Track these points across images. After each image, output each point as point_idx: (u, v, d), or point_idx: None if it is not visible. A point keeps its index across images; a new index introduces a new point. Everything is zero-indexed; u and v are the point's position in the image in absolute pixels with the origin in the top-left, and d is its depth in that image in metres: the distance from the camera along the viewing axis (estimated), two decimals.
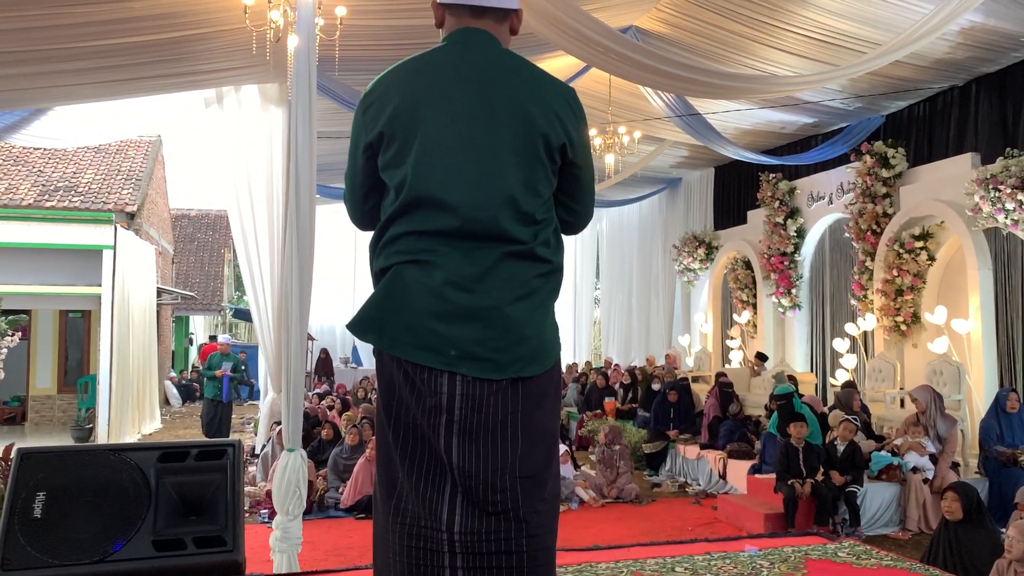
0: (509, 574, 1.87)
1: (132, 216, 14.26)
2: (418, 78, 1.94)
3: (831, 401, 10.40)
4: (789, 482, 7.09)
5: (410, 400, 1.89)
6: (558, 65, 9.77)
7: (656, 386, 11.12)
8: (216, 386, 11.71)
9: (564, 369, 16.35)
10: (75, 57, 7.17)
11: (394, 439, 1.93)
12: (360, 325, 1.94)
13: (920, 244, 9.73)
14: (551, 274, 1.99)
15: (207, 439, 9.97)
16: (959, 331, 8.98)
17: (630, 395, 12.54)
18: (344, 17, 6.34)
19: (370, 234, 2.03)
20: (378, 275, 1.97)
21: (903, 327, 9.92)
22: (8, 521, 2.21)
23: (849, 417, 7.79)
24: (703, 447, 9.63)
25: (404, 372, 1.89)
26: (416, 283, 1.87)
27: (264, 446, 9.29)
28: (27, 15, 6.19)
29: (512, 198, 1.90)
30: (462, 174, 1.88)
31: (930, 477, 7.21)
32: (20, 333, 8.29)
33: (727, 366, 13.33)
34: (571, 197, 2.06)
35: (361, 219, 2.09)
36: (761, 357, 12.37)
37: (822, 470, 7.16)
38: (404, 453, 1.91)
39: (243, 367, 12.28)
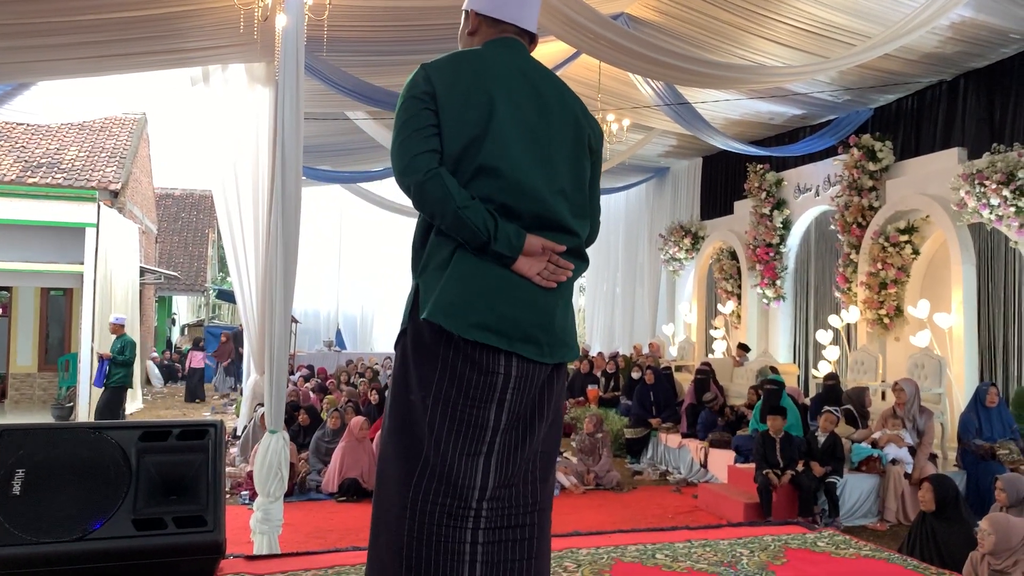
0: (523, 546, 2.03)
1: (116, 194, 14.13)
2: (482, 64, 2.08)
3: (813, 392, 10.48)
4: (765, 472, 7.14)
5: (466, 376, 1.98)
6: (548, 51, 9.73)
7: (636, 374, 11.16)
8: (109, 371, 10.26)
9: None
10: (60, 31, 7.07)
11: (431, 416, 1.99)
12: (440, 313, 1.97)
13: (905, 238, 9.79)
14: (582, 273, 2.21)
15: (189, 419, 9.88)
16: (942, 325, 9.05)
17: (612, 383, 12.58)
18: None
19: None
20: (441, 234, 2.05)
21: (886, 320, 9.98)
22: None
23: (830, 409, 7.84)
24: (685, 436, 9.68)
25: (460, 350, 1.98)
26: (487, 268, 2.00)
27: (245, 427, 9.25)
28: None
29: (563, 189, 2.09)
30: (528, 158, 2.03)
31: (909, 470, 7.28)
32: (1, 310, 8.19)
33: (711, 356, 13.39)
34: (593, 200, 2.22)
35: (411, 160, 2.01)
36: (743, 347, 12.43)
37: (802, 461, 7.21)
38: (443, 429, 1.99)
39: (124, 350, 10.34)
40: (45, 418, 13.64)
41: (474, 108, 2.01)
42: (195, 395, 16.96)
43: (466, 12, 2.24)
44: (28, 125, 14.44)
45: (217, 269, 28.83)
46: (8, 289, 14.38)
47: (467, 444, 1.99)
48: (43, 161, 14.28)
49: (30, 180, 13.46)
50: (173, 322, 26.97)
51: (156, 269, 20.06)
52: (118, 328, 10.59)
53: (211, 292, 27.39)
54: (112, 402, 10.18)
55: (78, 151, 15.09)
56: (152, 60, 8.46)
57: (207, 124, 9.23)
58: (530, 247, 2.00)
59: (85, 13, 6.75)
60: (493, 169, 1.99)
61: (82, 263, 12.95)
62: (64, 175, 13.90)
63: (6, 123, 14.44)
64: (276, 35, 6.34)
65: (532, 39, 2.24)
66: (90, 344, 12.50)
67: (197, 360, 17.82)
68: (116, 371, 10.12)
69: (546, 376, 2.09)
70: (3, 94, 8.99)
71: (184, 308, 30.08)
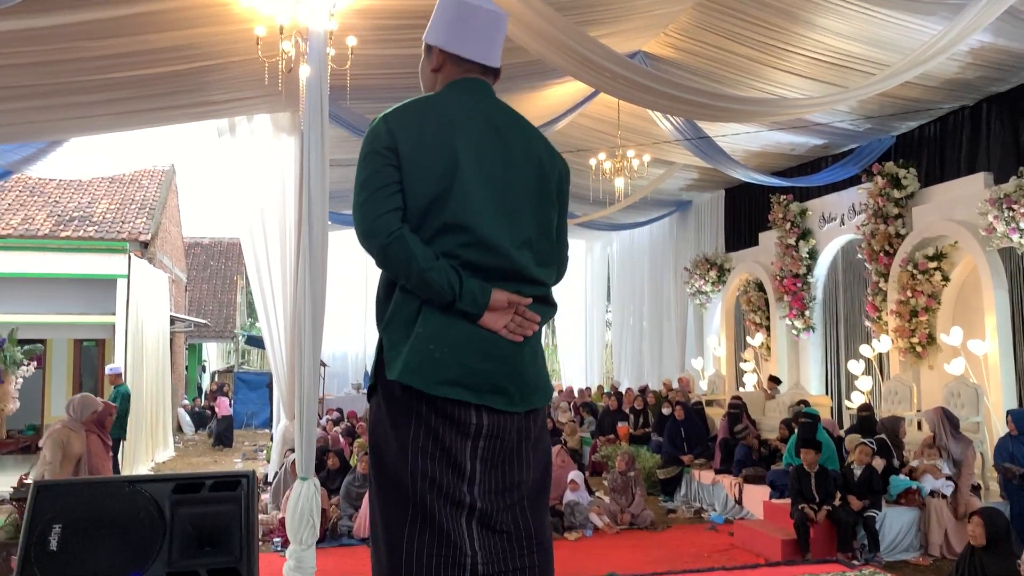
0: None
1: (146, 245, 14.37)
2: (446, 114, 2.06)
3: (847, 424, 10.32)
4: (800, 507, 7.02)
5: (440, 429, 2.00)
6: (567, 91, 9.83)
7: (667, 410, 11.06)
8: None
9: (576, 394, 16.28)
10: (91, 89, 7.26)
11: (412, 469, 1.99)
12: (410, 372, 1.98)
13: (934, 264, 9.68)
14: (551, 318, 2.25)
15: (222, 471, 9.87)
16: (976, 352, 8.90)
17: (641, 420, 12.47)
18: (355, 47, 6.40)
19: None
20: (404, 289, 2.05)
21: (919, 348, 9.84)
22: (25, 554, 2.21)
23: (865, 441, 7.72)
24: (718, 472, 9.55)
25: (432, 404, 1.99)
26: (453, 323, 2.00)
27: (276, 473, 9.26)
28: (45, 49, 6.28)
29: (529, 240, 2.09)
30: (492, 213, 2.03)
31: (947, 494, 7.11)
32: (36, 362, 8.32)
33: (741, 389, 13.25)
34: (560, 242, 2.24)
35: (374, 221, 1.99)
36: (774, 380, 12.29)
37: (839, 495, 7.08)
38: (425, 481, 1.99)
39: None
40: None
41: (438, 164, 2.00)
42: (222, 441, 16.88)
43: (429, 47, 2.22)
44: (60, 180, 14.77)
45: (246, 315, 29.12)
46: (42, 341, 14.59)
47: (450, 493, 2.00)
48: (75, 215, 14.58)
49: (63, 234, 13.74)
50: (203, 369, 27.21)
51: (186, 317, 20.29)
52: (115, 378, 10.36)
53: (240, 338, 27.63)
54: None
55: (109, 204, 15.39)
56: (180, 113, 8.66)
57: (234, 173, 9.39)
58: (495, 302, 2.00)
59: (116, 71, 6.94)
60: (457, 226, 1.99)
61: (114, 313, 13.14)
62: (95, 228, 14.17)
63: (40, 179, 14.78)
64: (300, 85, 6.47)
65: (496, 74, 2.23)
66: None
67: (223, 407, 17.83)
68: None
69: (520, 423, 2.09)
70: (37, 151, 9.24)
71: (214, 355, 30.35)
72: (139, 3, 5.82)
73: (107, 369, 10.72)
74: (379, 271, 2.11)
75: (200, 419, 20.70)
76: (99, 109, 7.90)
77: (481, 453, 2.03)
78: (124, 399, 10.05)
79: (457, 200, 1.99)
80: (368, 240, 2.01)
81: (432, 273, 1.95)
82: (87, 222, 14.35)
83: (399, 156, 2.00)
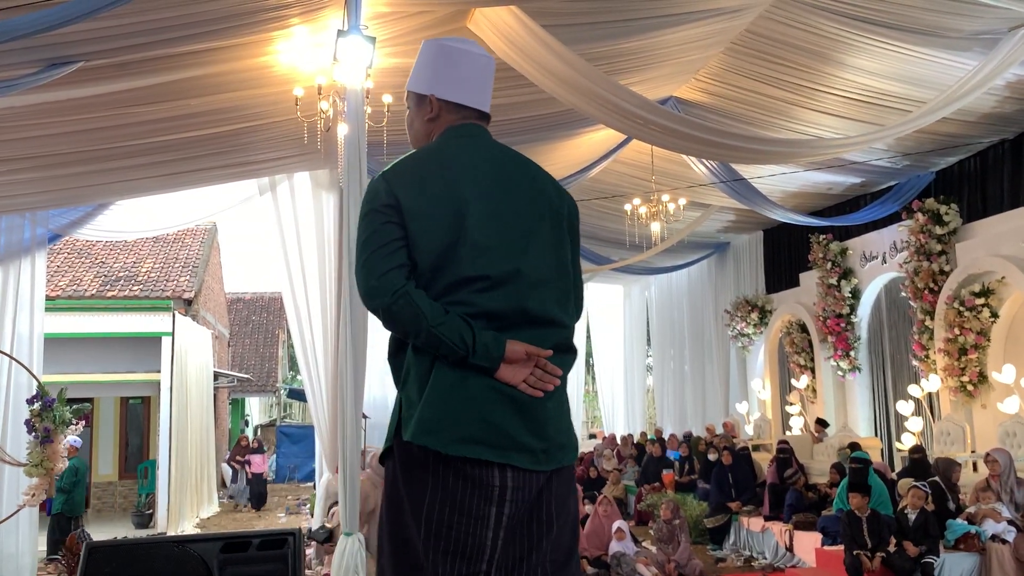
0: None
1: (189, 302, 14.63)
2: (446, 163, 2.02)
3: (899, 466, 10.05)
4: (855, 553, 6.82)
5: (459, 493, 1.88)
6: (599, 138, 9.90)
7: (713, 456, 10.87)
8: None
9: (620, 441, 16.08)
10: (137, 153, 7.48)
11: (426, 540, 1.88)
12: (424, 432, 1.88)
13: (981, 301, 9.48)
14: (574, 364, 2.09)
15: (268, 529, 9.84)
16: None
17: (687, 466, 12.28)
18: (390, 104, 6.53)
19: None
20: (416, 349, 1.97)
21: (970, 387, 9.59)
22: None
23: (917, 484, 7.50)
24: (767, 519, 9.34)
25: (450, 466, 1.88)
26: (469, 378, 1.90)
27: (320, 528, 9.24)
28: (92, 117, 6.50)
29: (546, 279, 2.02)
30: (506, 256, 1.96)
31: (1010, 540, 6.87)
32: (84, 421, 8.44)
33: (787, 433, 13.00)
34: (576, 280, 2.17)
35: (377, 281, 1.91)
36: (822, 423, 12.05)
37: (894, 540, 6.88)
38: (439, 553, 1.88)
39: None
40: (126, 526, 13.87)
41: (444, 214, 1.93)
42: (259, 503, 16.06)
43: (420, 96, 2.16)
44: (107, 241, 15.15)
45: (287, 369, 29.36)
46: (90, 400, 14.84)
47: (467, 566, 1.88)
48: (121, 275, 14.92)
49: (109, 294, 14.05)
50: (246, 423, 27.40)
51: (229, 372, 20.52)
52: (73, 451, 9.18)
53: (282, 392, 27.84)
54: (54, 531, 9.23)
55: (153, 263, 15.74)
56: (222, 174, 8.88)
57: (275, 229, 9.57)
58: (512, 355, 1.90)
59: (160, 135, 7.15)
60: (472, 275, 1.92)
61: (159, 371, 13.36)
62: (141, 287, 14.48)
63: (87, 241, 15.17)
64: (339, 143, 6.60)
65: (488, 120, 2.19)
66: (167, 450, 12.74)
67: (257, 464, 16.44)
68: (57, 497, 9.01)
69: (544, 482, 1.97)
70: (84, 215, 9.51)
71: (256, 409, 30.58)
72: (182, 70, 6.01)
73: (66, 440, 9.10)
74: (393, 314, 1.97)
75: (232, 476, 18.40)
76: (144, 172, 8.13)
77: (506, 518, 1.91)
78: (72, 472, 9.23)
79: (468, 248, 1.92)
80: (371, 300, 1.92)
81: (442, 328, 1.86)
82: (132, 282, 14.67)
83: (401, 212, 1.93)
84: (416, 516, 1.89)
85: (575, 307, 2.14)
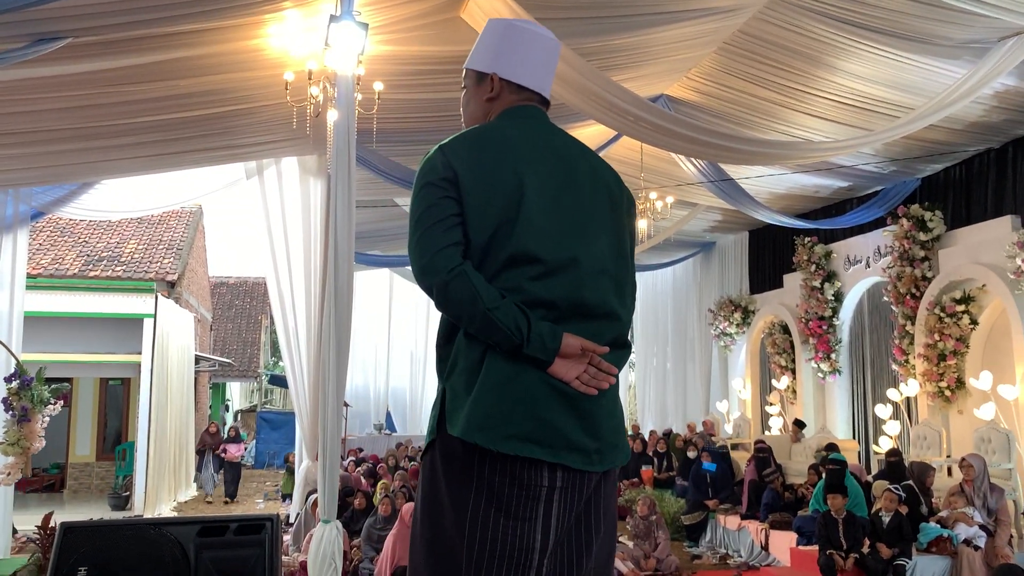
0: None
1: (172, 285, 14.54)
2: (506, 141, 1.92)
3: (875, 469, 10.14)
4: (829, 553, 6.89)
5: (506, 494, 1.77)
6: (588, 133, 9.90)
7: (692, 454, 10.93)
8: None
9: None
10: (123, 133, 7.42)
11: (469, 543, 1.77)
12: (474, 428, 1.76)
13: (962, 308, 9.57)
14: (627, 359, 1.99)
15: (246, 514, 9.75)
16: (1007, 397, 8.75)
17: (665, 463, 12.33)
18: (381, 92, 6.51)
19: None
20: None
21: (947, 393, 9.69)
22: None
23: (892, 487, 7.58)
24: (744, 517, 9.41)
25: (498, 465, 1.77)
26: (523, 371, 1.80)
27: (298, 515, 9.23)
28: (77, 94, 6.44)
29: (606, 269, 1.91)
30: (564, 241, 1.86)
31: (981, 546, 6.95)
32: (62, 401, 8.38)
33: (767, 433, 13.09)
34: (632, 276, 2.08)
35: (432, 257, 1.81)
36: (799, 424, 12.14)
37: (868, 542, 6.94)
38: (483, 557, 1.76)
39: None
40: (102, 507, 13.80)
41: (501, 192, 1.82)
42: (231, 494, 14.81)
43: (481, 74, 2.07)
44: (90, 221, 15.03)
45: (269, 354, 29.25)
46: (69, 380, 14.73)
47: (512, 571, 1.76)
48: (104, 255, 14.80)
49: (91, 273, 13.94)
50: (227, 408, 27.29)
51: (211, 356, 20.42)
52: None
53: (264, 377, 27.75)
54: None
55: (137, 244, 15.62)
56: (209, 156, 8.82)
57: (261, 214, 9.53)
58: (568, 349, 1.78)
59: (147, 115, 7.10)
60: (526, 257, 1.81)
61: (140, 353, 13.26)
62: (124, 267, 14.37)
63: (70, 219, 15.04)
64: (328, 129, 6.58)
65: (548, 104, 2.11)
66: (146, 433, 12.67)
67: (231, 453, 15.15)
68: None
69: (598, 484, 1.89)
70: (68, 193, 9.42)
71: (237, 394, 30.46)
72: (171, 50, 5.97)
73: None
74: (433, 313, 1.94)
75: (200, 461, 15.99)
76: (130, 152, 8.07)
77: (554, 519, 1.80)
78: None
79: (524, 229, 1.81)
80: (426, 278, 1.81)
81: (498, 313, 1.74)
82: (115, 262, 14.56)
83: (458, 187, 1.83)
84: (460, 517, 1.77)
85: (631, 300, 2.04)
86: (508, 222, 1.81)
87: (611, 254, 1.94)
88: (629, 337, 2.00)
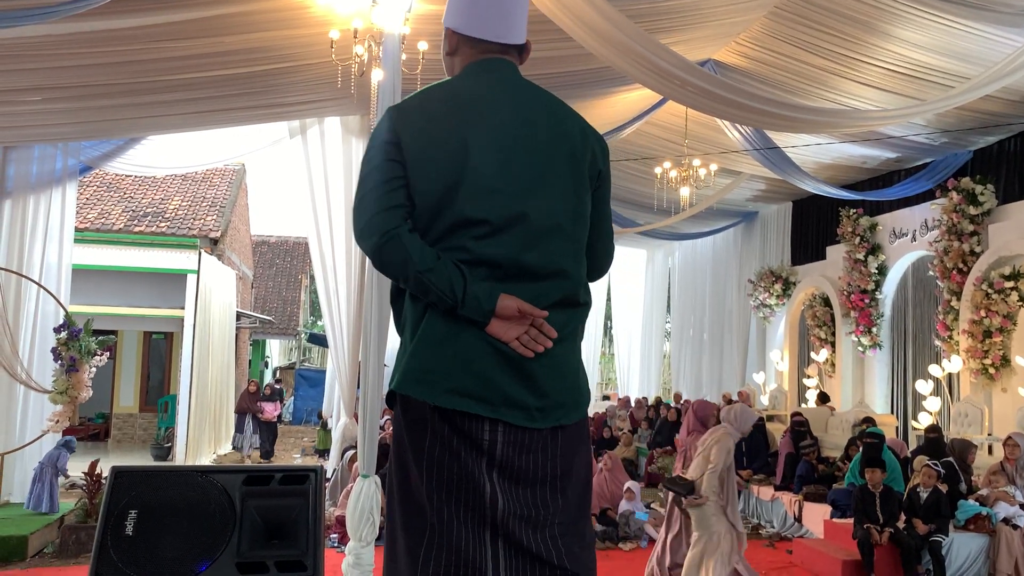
0: None
1: (215, 242, 14.72)
2: (455, 100, 1.90)
3: (913, 445, 10.03)
4: (865, 527, 6.85)
5: (454, 443, 1.82)
6: (634, 97, 9.78)
7: None
8: None
9: (634, 404, 16.15)
10: (168, 89, 7.48)
11: (428, 484, 1.82)
12: (410, 381, 1.84)
13: (1010, 284, 9.36)
14: (585, 317, 1.96)
15: (290, 464, 9.91)
16: None
17: None
18: (426, 51, 6.47)
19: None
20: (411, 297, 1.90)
21: (991, 370, 9.52)
22: (102, 537, 2.28)
23: (930, 463, 7.50)
24: (777, 488, 9.38)
25: (444, 417, 1.81)
26: (461, 329, 1.82)
27: (335, 471, 9.39)
28: (125, 50, 6.49)
29: (559, 225, 1.87)
30: (510, 201, 1.83)
31: (1021, 525, 6.87)
32: (108, 353, 8.58)
33: (803, 405, 12.99)
34: (597, 234, 2.01)
35: (368, 220, 1.83)
36: (823, 397, 12.08)
37: (903, 517, 6.89)
38: (443, 498, 1.82)
39: None
40: (145, 457, 14.18)
41: (444, 154, 1.81)
42: (266, 454, 14.74)
43: (445, 30, 2.04)
44: (136, 177, 15.24)
45: (309, 313, 29.60)
46: (114, 333, 15.06)
47: (470, 513, 1.81)
48: (148, 211, 15.02)
49: (136, 229, 14.17)
50: (266, 365, 27.75)
51: (251, 313, 20.72)
52: None
53: (303, 336, 28.11)
54: None
55: (181, 201, 15.82)
56: (253, 114, 8.87)
57: (304, 174, 9.58)
58: (503, 310, 1.78)
59: (193, 71, 7.14)
60: (471, 218, 1.79)
61: (183, 308, 13.49)
62: (168, 224, 14.58)
63: (116, 175, 15.26)
64: (372, 89, 6.56)
65: (521, 50, 2.03)
66: (188, 386, 12.94)
67: (269, 412, 14.94)
68: None
69: (547, 440, 1.86)
70: (115, 148, 9.55)
71: (276, 351, 30.94)
72: (217, 6, 5.98)
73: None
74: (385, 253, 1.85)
75: (240, 424, 15.14)
76: (175, 108, 8.13)
77: (500, 473, 1.82)
78: None
79: (469, 189, 1.79)
80: (362, 241, 1.84)
81: (430, 275, 1.76)
82: (160, 218, 14.77)
83: (402, 149, 1.83)
84: (417, 460, 1.83)
85: (599, 259, 2.02)
86: (454, 184, 1.80)
87: (565, 211, 1.88)
88: (583, 296, 1.94)
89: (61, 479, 8.38)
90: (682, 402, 14.53)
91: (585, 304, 1.94)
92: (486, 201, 1.80)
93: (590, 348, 20.73)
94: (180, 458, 12.67)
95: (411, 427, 1.85)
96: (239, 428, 14.70)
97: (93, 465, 7.85)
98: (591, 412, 16.51)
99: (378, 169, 1.84)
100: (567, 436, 1.89)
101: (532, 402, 1.82)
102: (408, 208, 1.83)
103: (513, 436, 1.82)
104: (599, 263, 2.05)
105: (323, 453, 13.94)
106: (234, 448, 14.76)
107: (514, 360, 1.81)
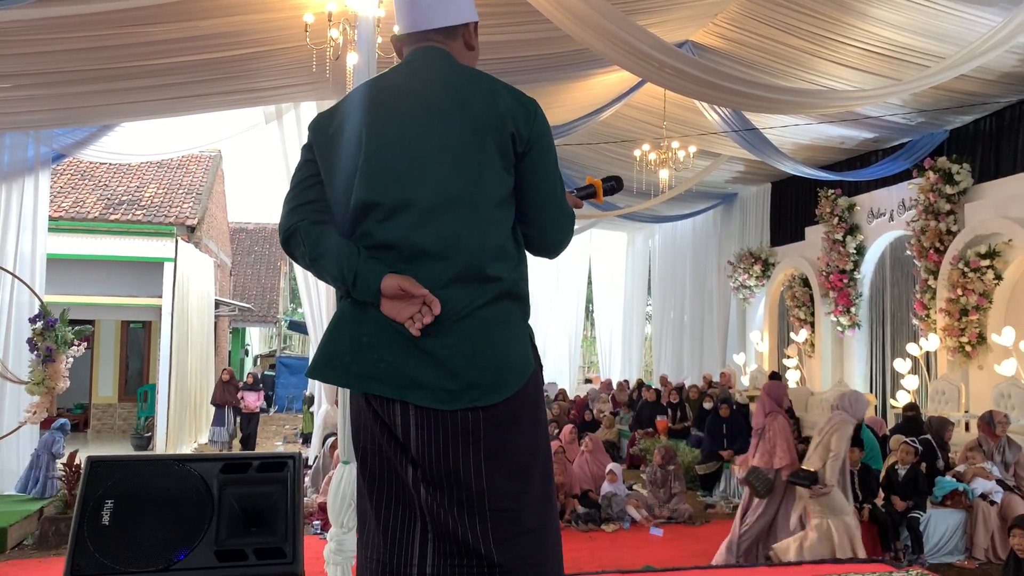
0: None
1: (192, 229, 14.59)
2: (360, 96, 1.95)
3: (892, 424, 10.14)
4: None
5: (374, 428, 1.87)
6: (612, 79, 9.76)
7: (708, 404, 10.95)
8: None
9: (615, 387, 16.21)
10: (142, 74, 7.37)
11: (360, 468, 1.91)
12: (320, 367, 1.89)
13: (986, 263, 9.46)
14: (501, 298, 1.86)
15: (268, 452, 9.91)
16: None
17: (679, 414, 12.38)
18: None
19: None
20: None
21: (968, 348, 9.63)
22: (79, 528, 2.26)
23: (908, 440, 7.58)
24: None
25: (368, 402, 1.87)
26: (366, 312, 1.84)
27: (316, 458, 9.37)
28: (97, 35, 6.38)
29: (457, 197, 1.81)
30: (401, 176, 1.82)
31: (997, 501, 6.96)
32: (85, 343, 8.49)
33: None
34: (526, 204, 1.91)
35: (283, 219, 1.94)
36: (775, 376, 12.14)
37: (882, 494, 6.96)
38: (371, 487, 1.88)
39: None
40: (125, 447, 14.07)
41: (345, 151, 1.88)
42: (248, 444, 13.82)
43: (392, 40, 2.11)
44: (110, 164, 15.06)
45: (288, 300, 29.44)
46: (91, 322, 14.90)
47: (394, 500, 1.86)
48: (124, 199, 14.85)
49: (112, 217, 14.01)
50: (246, 353, 27.59)
51: (230, 301, 20.57)
52: None
53: (283, 323, 27.97)
54: None
55: (157, 188, 15.65)
56: (228, 99, 8.76)
57: (280, 159, 9.49)
58: (387, 289, 1.77)
59: (166, 56, 7.04)
60: (367, 203, 1.83)
61: (160, 296, 13.38)
62: (144, 211, 14.43)
63: (90, 163, 15.07)
64: (348, 73, 6.50)
65: (449, 33, 1.97)
66: (167, 375, 12.85)
67: (251, 402, 14.03)
68: None
69: (466, 423, 1.80)
70: (88, 135, 9.42)
71: (256, 339, 30.77)
72: None
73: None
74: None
75: (219, 417, 13.88)
76: (149, 94, 8.02)
77: (418, 458, 1.81)
78: None
79: (363, 178, 1.83)
80: (279, 236, 1.95)
81: (321, 262, 1.85)
82: (135, 206, 14.61)
83: (314, 151, 1.95)
84: (355, 444, 1.92)
85: (539, 231, 1.94)
86: (353, 172, 1.87)
87: (465, 186, 1.82)
88: (493, 270, 1.84)
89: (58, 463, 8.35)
90: (667, 384, 14.61)
91: (497, 279, 1.84)
92: (379, 183, 1.83)
93: (571, 331, 20.79)
94: (161, 447, 12.61)
95: (353, 416, 1.95)
96: (218, 422, 13.66)
97: (72, 456, 7.79)
98: (572, 395, 16.57)
99: (298, 169, 1.97)
100: (489, 418, 1.82)
101: (438, 383, 1.78)
102: (322, 203, 1.92)
103: (425, 419, 1.80)
104: (543, 237, 1.97)
105: (308, 438, 13.79)
106: (210, 442, 13.93)
107: (415, 341, 1.79)
